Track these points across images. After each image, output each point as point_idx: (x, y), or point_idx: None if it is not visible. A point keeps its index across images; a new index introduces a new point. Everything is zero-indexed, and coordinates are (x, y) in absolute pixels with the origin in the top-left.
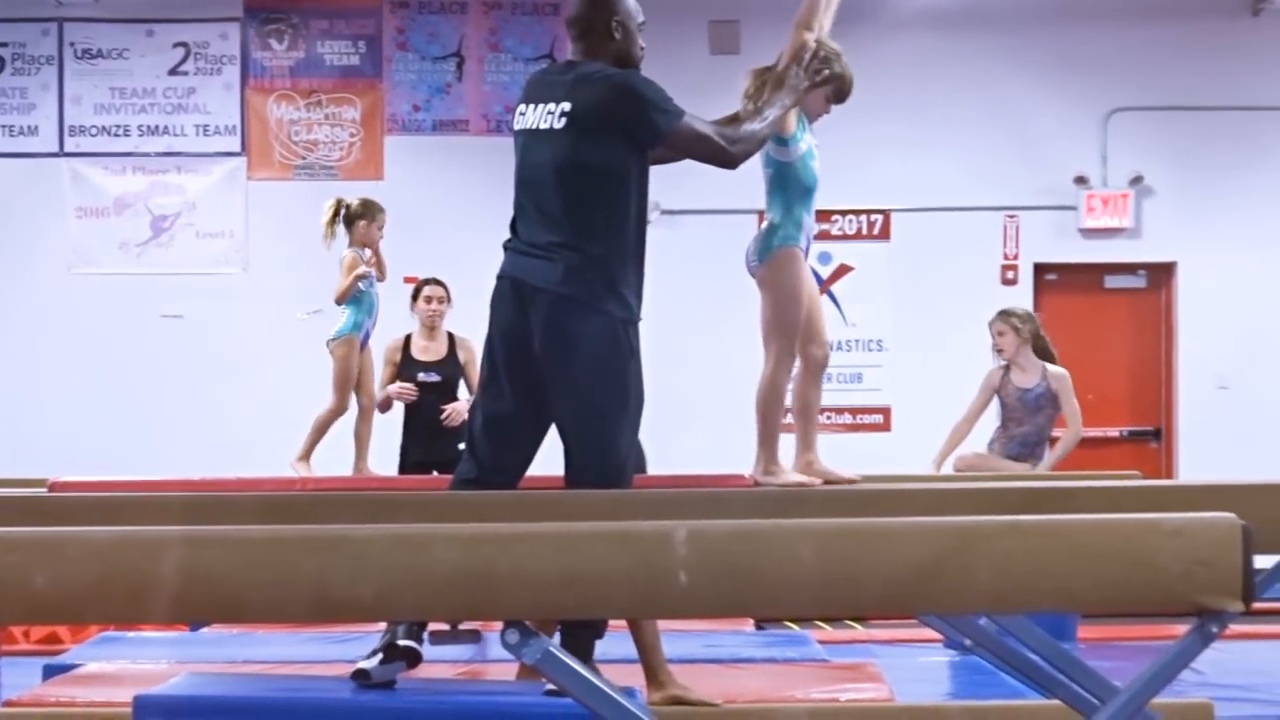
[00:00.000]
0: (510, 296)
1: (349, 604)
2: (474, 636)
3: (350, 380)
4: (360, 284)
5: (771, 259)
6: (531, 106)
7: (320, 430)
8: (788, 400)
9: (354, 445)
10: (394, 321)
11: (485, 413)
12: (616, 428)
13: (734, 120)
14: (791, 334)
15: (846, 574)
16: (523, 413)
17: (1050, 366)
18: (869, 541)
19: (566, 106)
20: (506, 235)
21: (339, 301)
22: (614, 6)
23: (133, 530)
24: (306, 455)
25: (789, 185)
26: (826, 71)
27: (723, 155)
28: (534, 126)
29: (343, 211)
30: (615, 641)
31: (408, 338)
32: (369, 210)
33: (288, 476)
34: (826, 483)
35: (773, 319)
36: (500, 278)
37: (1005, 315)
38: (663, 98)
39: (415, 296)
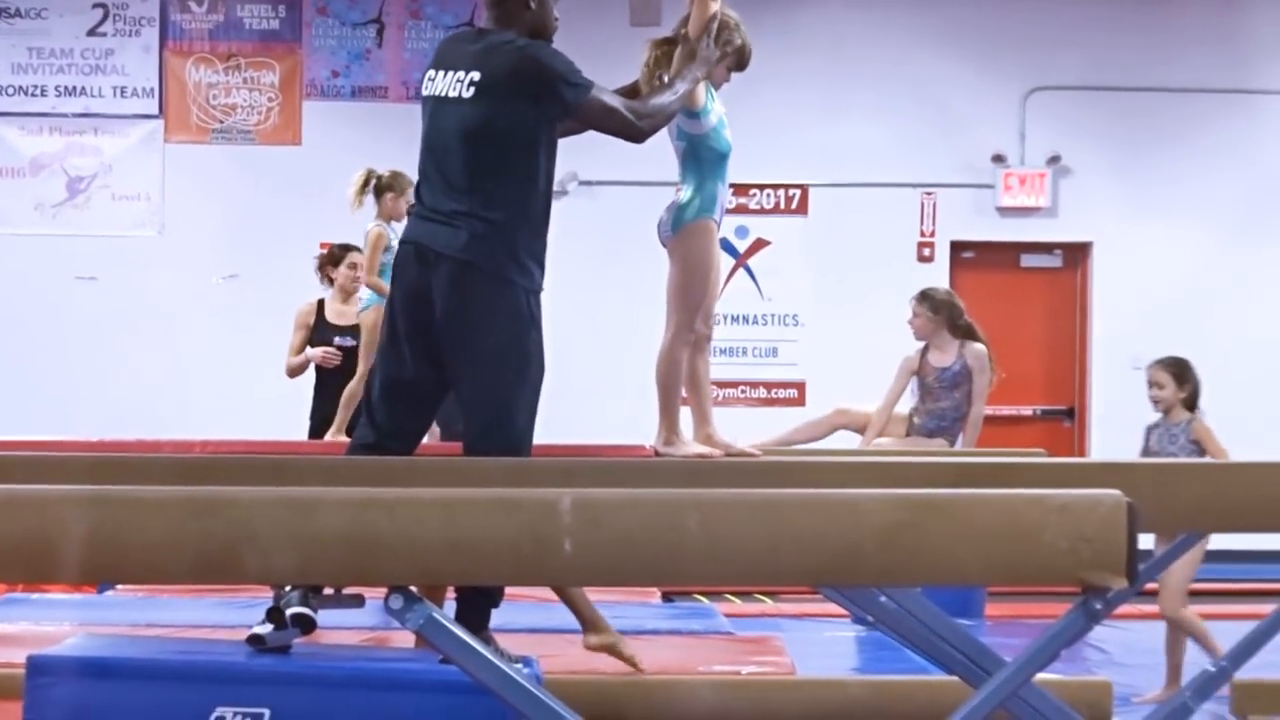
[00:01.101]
0: (414, 262)
1: (232, 566)
2: (358, 601)
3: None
4: (384, 257)
5: (684, 230)
6: (441, 73)
7: (352, 401)
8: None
9: (341, 410)
10: (304, 286)
11: (384, 378)
12: (516, 397)
13: (636, 92)
14: (694, 306)
15: (732, 544)
16: (422, 379)
17: (970, 344)
18: (754, 512)
19: (475, 75)
20: None
21: (369, 278)
22: None
23: (18, 489)
24: (341, 428)
25: (702, 157)
26: (737, 41)
27: (630, 129)
28: (442, 94)
29: (372, 183)
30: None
31: (321, 302)
32: (398, 183)
33: (187, 439)
34: (728, 455)
35: (677, 290)
36: (404, 243)
37: (921, 297)
38: (571, 70)
39: (335, 262)
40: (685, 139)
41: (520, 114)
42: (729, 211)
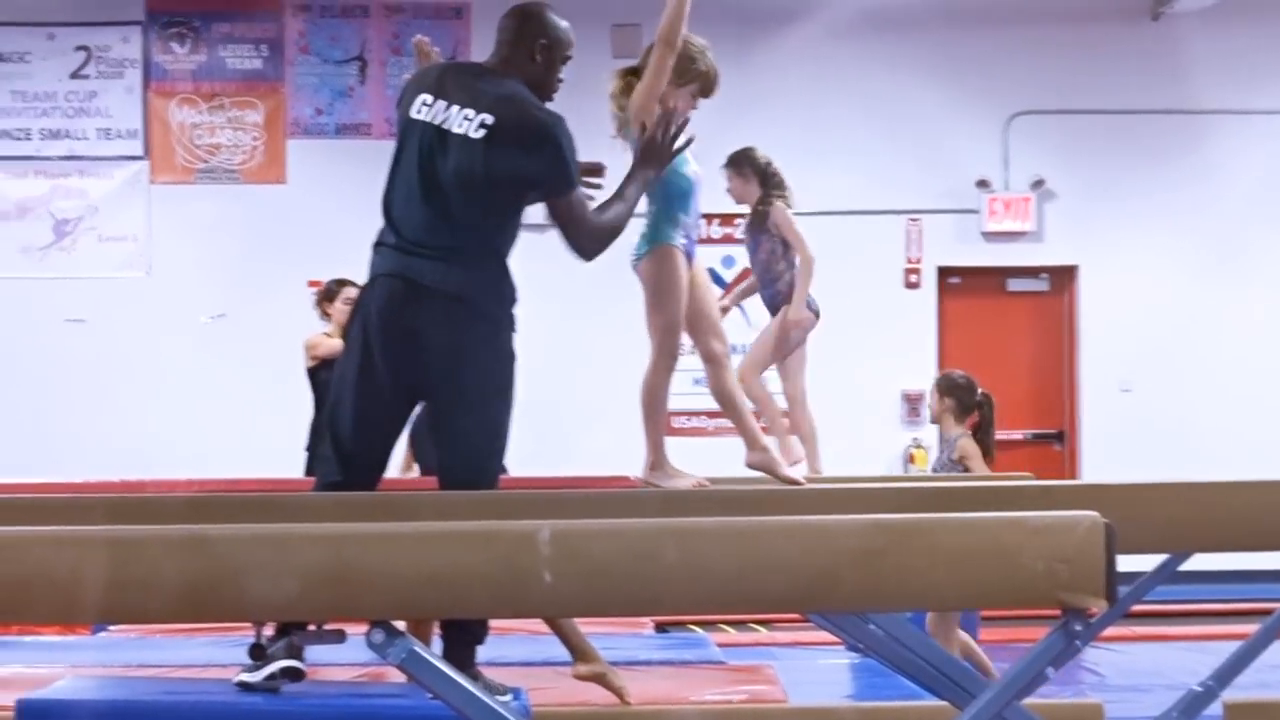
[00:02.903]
0: (400, 295)
1: (212, 604)
2: (339, 637)
3: None
4: None
5: (649, 256)
6: (441, 103)
7: None
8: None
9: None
10: (292, 324)
11: (357, 410)
12: (500, 430)
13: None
14: (670, 330)
15: (710, 573)
16: (395, 411)
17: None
18: (732, 540)
19: (489, 119)
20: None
21: None
22: (545, 29)
23: (2, 531)
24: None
25: (666, 190)
26: (700, 67)
27: (581, 243)
28: (441, 124)
29: None
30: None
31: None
32: None
33: (173, 479)
34: (780, 480)
35: (650, 316)
36: (387, 276)
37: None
38: (575, 162)
39: (331, 298)
40: None
41: (520, 176)
42: (713, 241)
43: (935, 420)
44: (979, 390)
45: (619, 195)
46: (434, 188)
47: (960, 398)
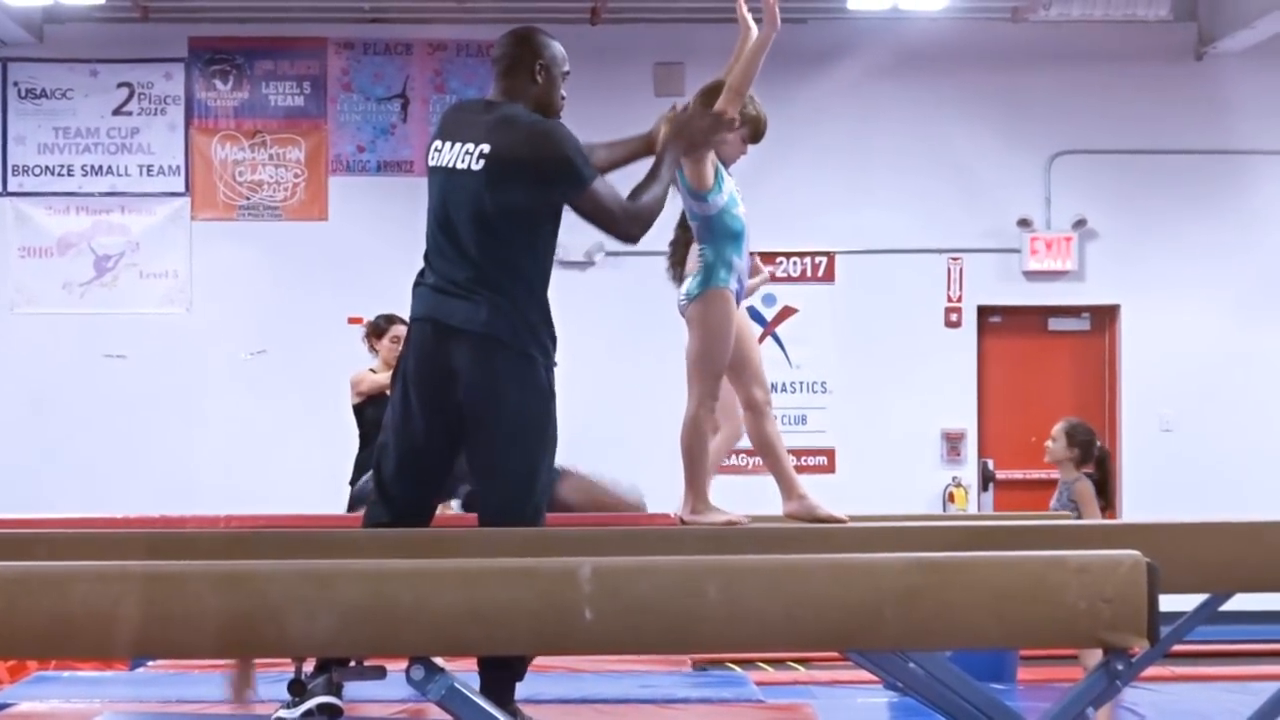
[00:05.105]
0: (431, 338)
1: (254, 640)
2: (379, 673)
3: None
4: None
5: (701, 299)
6: (448, 144)
7: None
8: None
9: None
10: (338, 358)
11: (400, 453)
12: (537, 469)
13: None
14: (714, 374)
15: (751, 611)
16: (437, 453)
17: None
18: (773, 578)
19: (485, 148)
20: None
21: None
22: (540, 50)
23: (42, 565)
24: None
25: (716, 233)
26: (750, 111)
27: (616, 230)
28: (449, 165)
29: None
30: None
31: (371, 370)
32: None
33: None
34: (816, 521)
35: (697, 358)
36: (420, 320)
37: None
38: (579, 156)
39: (379, 334)
40: (697, 219)
41: (529, 189)
42: None
43: (1054, 463)
44: (1098, 443)
45: (652, 176)
46: (453, 228)
47: (1085, 448)
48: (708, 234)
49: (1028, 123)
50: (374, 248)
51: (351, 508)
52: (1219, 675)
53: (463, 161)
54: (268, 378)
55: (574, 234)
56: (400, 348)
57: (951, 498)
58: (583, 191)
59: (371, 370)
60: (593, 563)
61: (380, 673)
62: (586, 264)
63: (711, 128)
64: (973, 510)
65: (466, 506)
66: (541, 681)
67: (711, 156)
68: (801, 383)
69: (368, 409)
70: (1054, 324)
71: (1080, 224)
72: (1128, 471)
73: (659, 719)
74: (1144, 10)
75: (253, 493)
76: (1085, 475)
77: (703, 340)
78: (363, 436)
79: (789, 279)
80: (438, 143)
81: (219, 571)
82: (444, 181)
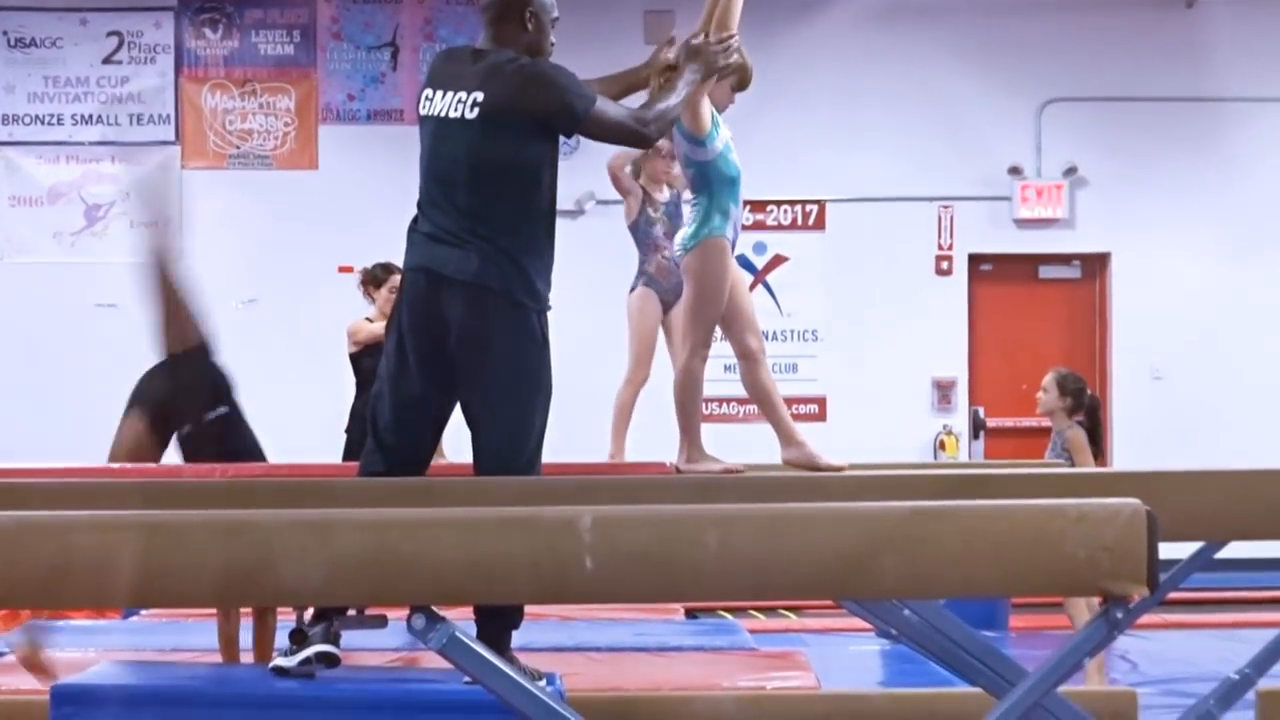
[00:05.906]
0: (424, 288)
1: (254, 589)
2: (380, 622)
3: None
4: None
5: (698, 249)
6: (439, 93)
7: None
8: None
9: None
10: (328, 306)
11: (395, 402)
12: (530, 418)
13: (634, 83)
14: (709, 323)
15: (750, 559)
16: (432, 404)
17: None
18: (772, 527)
19: (479, 96)
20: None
21: None
22: None
23: (38, 515)
24: None
25: (712, 180)
26: (736, 59)
27: (637, 137)
28: (442, 114)
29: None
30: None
31: (367, 319)
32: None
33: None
34: (816, 470)
35: (693, 308)
36: (413, 270)
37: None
38: (576, 84)
39: (376, 284)
40: (693, 165)
41: (526, 134)
42: (746, 228)
43: (1046, 413)
44: (1088, 392)
45: (668, 88)
46: (446, 177)
47: (1076, 397)
48: (703, 182)
49: (1019, 70)
50: (364, 197)
51: (347, 456)
52: (1213, 623)
53: (455, 110)
54: (259, 326)
55: (564, 182)
56: (394, 297)
57: (942, 445)
58: (586, 116)
59: (368, 319)
60: (593, 512)
61: (381, 622)
62: (577, 213)
63: (724, 51)
64: (963, 458)
65: None
66: (535, 630)
67: (707, 102)
68: (792, 331)
69: (364, 358)
70: (1045, 272)
71: (1071, 171)
72: (1118, 419)
73: (653, 667)
74: None
75: None
76: (1077, 424)
77: (699, 290)
78: (359, 385)
79: (779, 227)
80: (429, 91)
81: (218, 520)
82: (436, 130)
